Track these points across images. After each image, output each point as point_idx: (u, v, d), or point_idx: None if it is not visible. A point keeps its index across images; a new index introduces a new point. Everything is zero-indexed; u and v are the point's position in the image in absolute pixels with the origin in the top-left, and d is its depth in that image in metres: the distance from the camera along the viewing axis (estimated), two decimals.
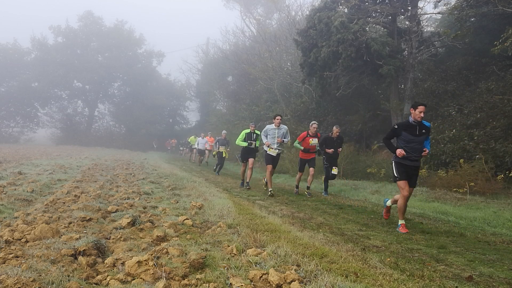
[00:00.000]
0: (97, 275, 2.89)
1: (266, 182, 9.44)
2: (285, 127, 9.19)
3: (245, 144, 10.11)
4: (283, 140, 9.00)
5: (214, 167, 15.44)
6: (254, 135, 10.27)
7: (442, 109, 12.92)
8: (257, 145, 10.27)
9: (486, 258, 4.09)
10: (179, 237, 4.00)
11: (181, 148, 31.87)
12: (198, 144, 20.10)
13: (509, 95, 10.50)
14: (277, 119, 9.01)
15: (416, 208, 7.50)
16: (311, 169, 9.22)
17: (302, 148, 9.18)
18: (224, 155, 14.96)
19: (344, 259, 3.41)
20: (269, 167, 9.08)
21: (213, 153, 15.14)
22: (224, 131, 15.82)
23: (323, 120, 16.70)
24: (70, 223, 4.36)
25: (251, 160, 10.27)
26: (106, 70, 43.57)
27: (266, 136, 9.14)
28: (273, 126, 9.10)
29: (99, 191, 6.73)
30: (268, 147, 9.00)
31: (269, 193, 8.72)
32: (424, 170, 10.55)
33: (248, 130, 10.36)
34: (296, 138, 9.64)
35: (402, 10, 14.33)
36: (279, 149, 9.11)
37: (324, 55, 13.69)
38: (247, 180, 10.20)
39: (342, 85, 15.51)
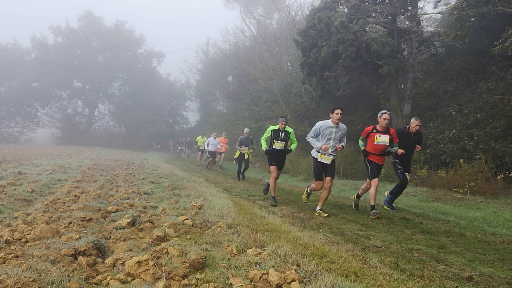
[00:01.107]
0: (97, 275, 2.89)
1: (309, 193, 7.23)
2: (345, 126, 6.73)
3: (264, 147, 7.83)
4: (342, 146, 6.61)
5: (241, 171, 13.11)
6: (283, 133, 7.74)
7: (442, 109, 12.93)
8: (292, 148, 7.91)
9: (486, 258, 4.09)
10: (179, 237, 4.00)
11: (179, 148, 31.18)
12: (208, 145, 17.34)
13: (509, 95, 10.51)
14: (337, 113, 6.39)
15: (416, 208, 7.51)
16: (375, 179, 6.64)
17: (363, 149, 6.89)
18: (247, 157, 12.81)
19: (344, 259, 3.41)
20: (319, 183, 6.71)
21: (235, 156, 13.11)
22: (246, 129, 13.36)
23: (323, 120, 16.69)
24: (70, 223, 4.36)
25: (273, 168, 7.78)
26: (106, 70, 43.59)
27: (317, 137, 6.65)
28: (329, 123, 6.54)
29: (99, 191, 6.73)
30: (319, 152, 6.59)
31: (322, 213, 6.47)
32: (424, 170, 10.56)
33: (275, 127, 7.85)
34: (361, 133, 7.16)
35: (402, 10, 14.33)
36: (333, 155, 6.61)
37: (324, 55, 13.69)
38: (272, 195, 7.66)
39: (342, 85, 15.52)
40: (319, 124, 6.67)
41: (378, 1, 14.60)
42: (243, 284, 2.68)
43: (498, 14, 11.86)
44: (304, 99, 18.73)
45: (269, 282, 2.76)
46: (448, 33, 13.21)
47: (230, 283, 2.71)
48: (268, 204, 7.57)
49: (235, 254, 3.37)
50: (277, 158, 7.85)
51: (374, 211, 6.44)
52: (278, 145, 7.78)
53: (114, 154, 26.15)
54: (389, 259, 3.76)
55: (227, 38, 34.20)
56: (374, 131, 6.73)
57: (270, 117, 20.50)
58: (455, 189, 8.75)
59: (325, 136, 6.55)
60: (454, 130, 10.98)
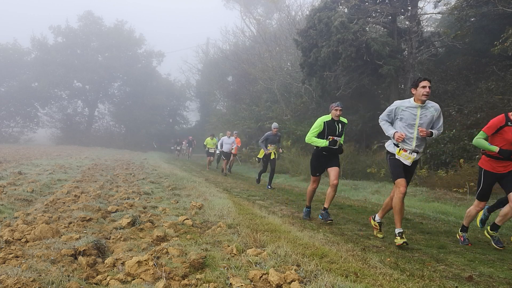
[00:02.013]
0: (97, 275, 2.89)
1: (380, 222, 5.01)
2: (437, 106, 4.61)
3: (323, 143, 5.77)
4: (432, 133, 4.51)
5: (269, 179, 10.66)
6: (339, 125, 5.90)
7: (442, 109, 12.92)
8: (341, 142, 5.99)
9: (486, 258, 4.09)
10: (179, 237, 3.99)
11: (178, 149, 31.06)
12: (222, 145, 14.96)
13: (509, 95, 10.51)
14: (424, 86, 4.37)
15: (416, 208, 7.51)
16: None
17: (495, 149, 4.34)
18: (273, 157, 10.50)
19: (344, 259, 3.41)
20: (401, 183, 4.45)
21: (259, 155, 11.11)
22: (275, 124, 10.74)
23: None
24: (70, 223, 4.36)
25: (333, 171, 5.78)
26: (106, 70, 43.62)
27: (392, 124, 4.64)
28: (410, 102, 4.54)
29: (99, 191, 6.73)
30: (398, 147, 4.54)
31: (400, 240, 4.30)
32: (424, 170, 10.56)
33: (328, 117, 5.90)
34: (481, 129, 4.60)
35: (402, 10, 14.34)
36: (417, 151, 4.51)
37: (324, 55, 13.69)
38: (325, 206, 5.83)
39: (342, 85, 15.53)
40: (396, 104, 4.61)
41: (378, 1, 14.61)
42: (243, 284, 2.68)
43: (498, 14, 11.86)
44: (304, 99, 18.74)
45: (269, 282, 2.76)
46: (448, 33, 13.22)
47: (230, 283, 2.71)
48: (268, 204, 7.56)
49: (235, 254, 3.37)
50: (328, 160, 5.86)
51: (465, 234, 4.79)
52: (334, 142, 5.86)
53: (114, 154, 26.15)
54: (389, 259, 3.76)
55: (227, 38, 34.24)
56: (510, 124, 4.34)
57: (270, 117, 20.49)
58: (455, 189, 8.75)
59: (405, 121, 4.48)
60: (454, 130, 10.98)
